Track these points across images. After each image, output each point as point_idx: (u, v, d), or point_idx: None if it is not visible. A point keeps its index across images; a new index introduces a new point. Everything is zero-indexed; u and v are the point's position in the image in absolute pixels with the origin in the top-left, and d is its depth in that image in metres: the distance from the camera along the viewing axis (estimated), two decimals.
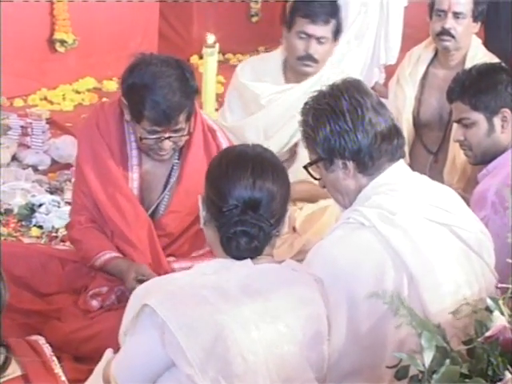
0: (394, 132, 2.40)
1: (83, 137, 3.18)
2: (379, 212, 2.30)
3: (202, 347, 1.95)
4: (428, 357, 1.71)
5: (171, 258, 3.16)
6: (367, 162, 2.36)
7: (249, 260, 2.08)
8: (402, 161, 2.43)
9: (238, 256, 2.09)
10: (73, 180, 4.29)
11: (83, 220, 3.15)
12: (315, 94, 2.45)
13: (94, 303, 3.10)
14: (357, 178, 2.39)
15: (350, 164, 2.37)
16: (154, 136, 2.96)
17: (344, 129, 2.34)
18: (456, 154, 3.89)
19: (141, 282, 2.89)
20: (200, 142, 3.14)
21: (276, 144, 3.67)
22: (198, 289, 2.02)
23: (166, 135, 2.96)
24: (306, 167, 2.47)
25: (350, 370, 2.26)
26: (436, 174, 3.99)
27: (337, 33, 3.85)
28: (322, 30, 3.77)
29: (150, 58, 2.99)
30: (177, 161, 3.15)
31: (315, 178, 2.49)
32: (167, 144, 2.98)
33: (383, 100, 4.17)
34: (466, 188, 3.70)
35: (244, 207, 2.08)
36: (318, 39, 3.77)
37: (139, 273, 2.96)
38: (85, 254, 3.14)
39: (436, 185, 2.50)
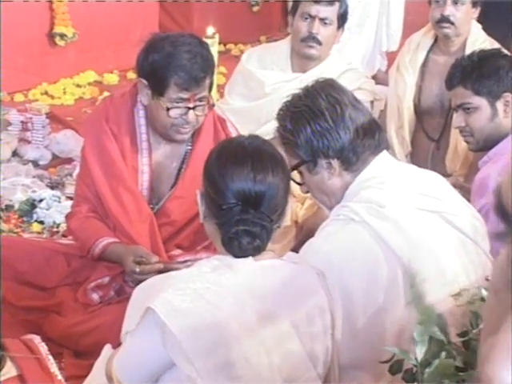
0: (375, 126, 2.38)
1: (90, 129, 3.17)
2: (368, 206, 2.26)
3: (204, 348, 1.91)
4: (420, 351, 1.68)
5: (177, 251, 3.14)
6: (351, 158, 2.32)
7: (250, 258, 2.03)
8: (385, 152, 2.39)
9: (240, 255, 2.03)
10: (74, 174, 4.29)
11: (84, 210, 3.14)
12: (289, 98, 2.41)
13: (95, 296, 3.09)
14: (342, 175, 2.35)
15: (335, 162, 2.33)
16: (181, 104, 2.94)
17: (325, 128, 2.31)
18: (458, 141, 3.86)
19: (139, 263, 2.93)
20: (210, 129, 3.15)
21: (268, 130, 3.63)
22: (198, 288, 1.96)
23: (191, 105, 2.95)
24: None
25: (350, 364, 2.24)
26: (438, 162, 3.99)
27: (342, 18, 3.86)
28: (326, 11, 3.80)
29: (163, 35, 3.05)
30: (190, 147, 3.13)
31: (297, 183, 2.44)
32: (192, 116, 2.96)
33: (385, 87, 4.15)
34: (469, 175, 3.68)
35: (244, 205, 2.01)
36: (322, 20, 3.79)
37: (137, 255, 2.96)
38: (83, 244, 3.12)
39: (423, 172, 2.47)
